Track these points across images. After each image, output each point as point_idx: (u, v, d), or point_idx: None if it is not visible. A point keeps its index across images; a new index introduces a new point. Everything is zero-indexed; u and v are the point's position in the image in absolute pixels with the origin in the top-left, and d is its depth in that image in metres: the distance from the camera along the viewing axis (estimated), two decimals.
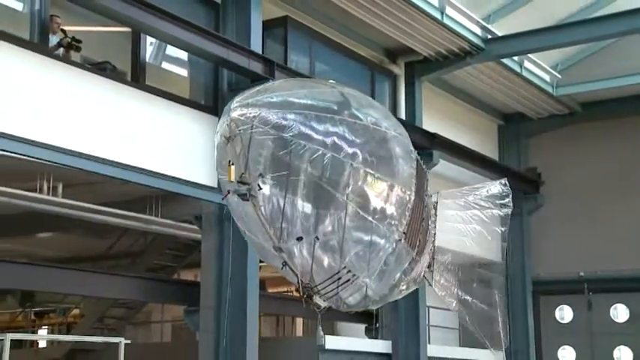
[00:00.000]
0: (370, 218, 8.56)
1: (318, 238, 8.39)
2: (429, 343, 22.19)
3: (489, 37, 21.62)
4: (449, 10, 20.20)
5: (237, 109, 7.86)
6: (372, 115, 8.89)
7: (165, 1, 15.32)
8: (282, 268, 8.50)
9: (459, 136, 23.87)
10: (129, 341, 16.09)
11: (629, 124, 25.59)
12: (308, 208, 8.44)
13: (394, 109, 21.74)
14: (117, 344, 15.90)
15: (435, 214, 11.14)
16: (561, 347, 26.31)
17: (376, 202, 8.64)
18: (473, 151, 24.15)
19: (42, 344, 24.54)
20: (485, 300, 13.38)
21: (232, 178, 7.93)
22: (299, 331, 21.91)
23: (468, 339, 25.81)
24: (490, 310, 13.18)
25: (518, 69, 23.51)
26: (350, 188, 8.39)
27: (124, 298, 20.34)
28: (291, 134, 7.86)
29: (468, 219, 11.98)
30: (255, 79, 16.27)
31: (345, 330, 20.86)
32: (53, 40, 14.14)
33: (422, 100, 22.45)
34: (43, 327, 25.33)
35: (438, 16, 19.88)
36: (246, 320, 15.81)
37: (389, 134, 9.00)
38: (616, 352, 25.45)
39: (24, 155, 12.75)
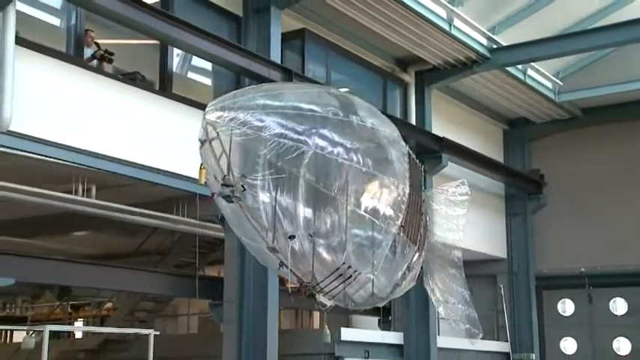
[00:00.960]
0: (364, 213, 8.18)
1: (311, 236, 8.10)
2: (439, 334, 22.16)
3: (495, 46, 21.60)
4: (456, 22, 20.20)
5: (212, 112, 7.53)
6: (358, 112, 8.50)
7: (191, 15, 15.43)
8: (279, 268, 8.15)
9: (467, 140, 23.85)
10: (158, 332, 16.16)
11: (628, 128, 25.47)
12: (301, 207, 8.11)
13: (405, 115, 21.79)
14: (147, 335, 15.99)
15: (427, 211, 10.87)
16: (563, 338, 26.19)
17: (369, 197, 8.29)
18: (479, 154, 24.13)
19: (78, 335, 24.62)
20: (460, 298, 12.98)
21: (202, 181, 7.68)
22: (316, 324, 21.90)
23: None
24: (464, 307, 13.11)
25: (521, 77, 23.48)
26: (341, 185, 8.05)
27: (153, 292, 20.39)
28: (270, 134, 7.48)
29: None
30: None
31: (360, 322, 20.87)
32: (87, 52, 14.26)
33: (431, 107, 22.45)
34: (79, 319, 25.40)
35: (446, 27, 19.88)
36: (266, 313, 15.86)
37: (376, 130, 8.61)
38: (615, 343, 25.32)
39: (60, 159, 12.85)
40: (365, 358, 19.56)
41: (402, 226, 8.64)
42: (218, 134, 7.53)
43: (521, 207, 26.46)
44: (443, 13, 19.78)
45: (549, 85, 24.78)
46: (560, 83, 24.96)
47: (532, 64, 23.27)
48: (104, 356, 21.49)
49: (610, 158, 25.69)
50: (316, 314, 25.62)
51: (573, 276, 25.59)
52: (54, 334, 16.99)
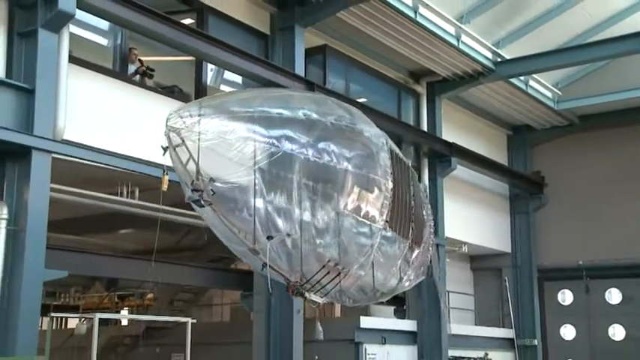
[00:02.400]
0: (346, 211, 7.70)
1: (289, 235, 7.51)
2: (449, 322, 22.13)
3: (499, 60, 21.60)
4: (464, 38, 20.24)
5: (175, 118, 7.00)
6: (334, 112, 7.98)
7: (224, 34, 15.56)
8: (262, 269, 7.61)
9: (474, 145, 23.86)
10: (194, 320, 16.24)
11: (622, 133, 25.38)
12: (281, 207, 7.48)
13: (418, 123, 21.83)
14: (185, 323, 16.03)
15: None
16: (563, 325, 26.15)
17: (349, 195, 7.77)
18: (486, 158, 24.14)
19: (124, 322, 24.79)
20: None
21: (164, 188, 7.07)
22: (337, 313, 21.89)
23: (481, 319, 25.84)
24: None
25: (524, 87, 23.45)
26: (322, 185, 7.52)
27: (190, 284, 20.53)
28: (235, 137, 6.96)
29: None
30: None
31: (377, 311, 20.85)
32: (131, 68, 14.40)
33: (441, 115, 22.47)
34: (125, 308, 25.47)
35: (454, 43, 19.94)
36: (292, 303, 15.82)
37: (351, 128, 8.05)
38: (610, 330, 25.26)
39: (107, 164, 12.99)
40: (382, 343, 19.58)
41: (386, 221, 8.10)
42: (183, 140, 6.96)
43: (524, 206, 26.41)
44: (452, 30, 19.83)
45: (549, 94, 24.72)
46: (559, 93, 24.91)
47: (533, 75, 23.27)
48: (147, 341, 21.56)
49: (605, 161, 25.59)
50: (338, 304, 25.64)
51: (572, 268, 25.55)
52: (103, 321, 17.12)
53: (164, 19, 13.68)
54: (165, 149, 7.07)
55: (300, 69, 17.01)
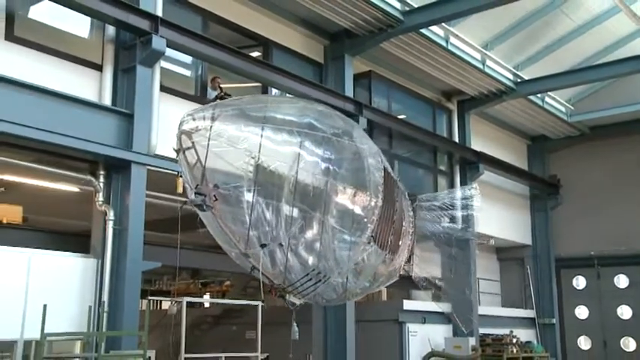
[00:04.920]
0: (336, 225, 6.86)
1: (282, 245, 6.67)
2: (479, 304, 22.06)
3: (519, 80, 21.47)
4: (489, 62, 20.23)
5: (189, 121, 6.17)
6: (335, 127, 7.00)
7: (285, 63, 15.69)
8: (250, 271, 7.01)
9: (498, 153, 23.72)
10: (264, 304, 16.40)
11: (628, 142, 25.04)
12: (274, 216, 6.60)
13: (450, 135, 21.75)
14: (256, 306, 16.22)
15: (414, 216, 9.35)
16: (577, 307, 25.85)
17: (341, 210, 6.92)
18: (509, 164, 23.98)
19: (206, 305, 25.14)
20: (460, 285, 11.61)
21: (179, 190, 6.41)
22: (384, 297, 21.90)
23: (507, 301, 25.64)
24: (464, 296, 11.58)
25: (540, 103, 23.27)
26: (317, 199, 6.63)
27: None
28: (245, 146, 6.07)
29: (436, 218, 10.07)
30: (348, 116, 16.41)
31: (417, 296, 20.81)
32: (212, 94, 14.55)
33: (470, 128, 22.37)
34: (207, 293, 25.74)
35: (480, 66, 19.93)
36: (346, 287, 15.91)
37: (354, 146, 7.15)
38: (619, 310, 24.95)
39: None
40: (422, 323, 19.56)
41: (372, 236, 7.21)
42: (193, 144, 6.13)
43: (543, 205, 26.15)
44: (478, 56, 19.82)
45: (563, 109, 24.47)
46: (572, 107, 24.64)
47: (549, 92, 23.07)
48: (225, 321, 21.82)
49: (613, 166, 25.27)
50: (384, 290, 25.64)
51: (585, 258, 25.26)
52: (189, 304, 17.40)
53: (236, 53, 13.90)
54: (177, 152, 6.35)
55: (349, 91, 17.12)
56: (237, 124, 6.22)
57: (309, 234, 6.86)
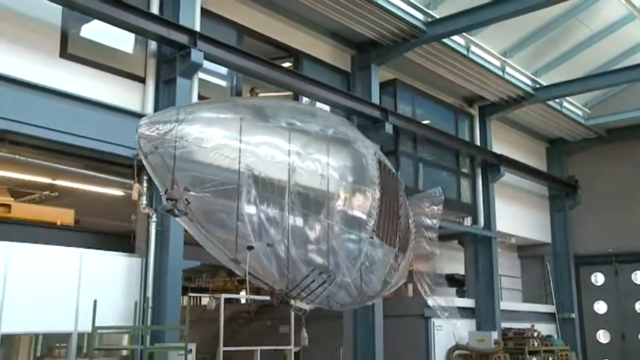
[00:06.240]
0: (332, 222, 6.34)
1: (270, 245, 6.05)
2: (502, 300, 21.93)
3: (538, 86, 21.30)
4: (508, 69, 20.11)
5: (146, 125, 5.49)
6: (317, 122, 6.50)
7: (315, 73, 15.77)
8: (244, 277, 6.32)
9: (518, 155, 23.55)
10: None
11: None
12: (263, 215, 5.95)
13: (472, 139, 21.65)
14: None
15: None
16: (596, 302, 25.61)
17: (339, 205, 6.43)
18: (528, 166, 23.79)
19: (242, 301, 25.25)
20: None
21: (135, 197, 5.55)
22: (410, 293, 21.82)
23: (528, 297, 25.44)
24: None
25: (558, 107, 23.08)
26: (300, 190, 6.06)
27: None
28: (211, 145, 5.52)
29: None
30: (375, 122, 16.55)
31: (442, 292, 20.63)
32: None
33: (491, 132, 22.26)
34: (243, 290, 25.84)
35: (500, 73, 19.83)
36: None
37: (337, 138, 6.58)
38: (637, 305, 24.68)
39: None
40: (447, 318, 19.45)
41: (373, 230, 6.74)
42: (157, 148, 5.44)
43: (561, 204, 25.89)
44: (498, 63, 19.74)
45: (580, 112, 24.25)
46: (589, 111, 24.42)
47: (566, 97, 22.86)
48: (260, 316, 21.93)
49: (629, 167, 24.92)
50: (409, 286, 25.55)
51: (603, 255, 25.06)
52: (227, 300, 17.55)
53: (268, 64, 14.01)
54: (135, 157, 5.59)
55: (375, 99, 17.17)
56: (200, 125, 5.64)
57: (309, 231, 6.41)
